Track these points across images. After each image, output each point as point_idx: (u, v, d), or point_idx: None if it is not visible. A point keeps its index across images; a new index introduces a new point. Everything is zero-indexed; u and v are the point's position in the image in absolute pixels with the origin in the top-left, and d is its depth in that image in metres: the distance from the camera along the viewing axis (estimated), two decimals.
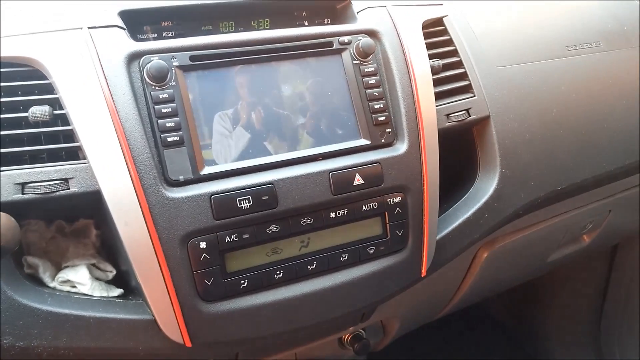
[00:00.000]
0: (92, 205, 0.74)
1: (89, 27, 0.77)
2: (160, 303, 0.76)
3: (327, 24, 0.98)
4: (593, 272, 1.94)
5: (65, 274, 0.79)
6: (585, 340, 2.01)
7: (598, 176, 1.18)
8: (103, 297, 0.80)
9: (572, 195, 1.17)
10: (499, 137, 1.02)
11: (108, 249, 0.87)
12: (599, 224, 1.46)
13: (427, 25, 0.99)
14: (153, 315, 0.77)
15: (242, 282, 0.80)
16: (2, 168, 0.71)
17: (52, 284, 0.79)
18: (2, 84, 0.74)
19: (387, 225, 0.88)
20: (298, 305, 0.84)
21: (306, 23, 0.97)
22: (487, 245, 1.20)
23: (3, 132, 0.72)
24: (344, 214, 0.85)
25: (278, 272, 0.82)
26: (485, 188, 1.03)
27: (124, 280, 0.85)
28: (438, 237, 0.95)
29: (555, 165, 1.10)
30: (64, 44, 0.75)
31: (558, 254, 1.45)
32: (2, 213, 0.65)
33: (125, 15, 0.81)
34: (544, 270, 1.63)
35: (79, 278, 0.78)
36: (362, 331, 1.19)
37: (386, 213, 0.88)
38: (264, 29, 0.94)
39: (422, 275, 0.94)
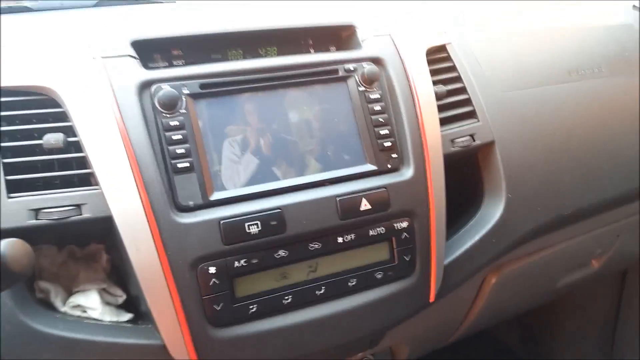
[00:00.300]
0: (103, 230, 0.75)
1: (103, 57, 0.78)
2: (170, 328, 0.76)
3: (333, 52, 1.00)
4: (603, 297, 1.91)
5: (76, 299, 0.79)
6: None
7: (603, 201, 1.17)
8: (113, 321, 0.80)
9: (578, 220, 1.17)
10: (504, 162, 1.02)
11: (118, 274, 0.87)
12: (607, 249, 1.45)
13: (430, 52, 1.00)
14: (162, 341, 0.77)
15: (251, 307, 0.80)
16: (17, 194, 0.72)
17: (63, 309, 0.79)
18: (18, 112, 0.76)
19: (395, 250, 0.88)
20: (307, 330, 0.84)
21: (312, 51, 0.99)
22: (495, 270, 1.19)
23: (19, 159, 0.74)
24: (351, 239, 0.85)
25: (287, 297, 0.82)
26: (491, 213, 1.03)
27: (134, 304, 0.85)
28: (446, 262, 0.95)
29: (560, 190, 1.10)
30: (77, 73, 0.77)
31: (567, 279, 1.43)
32: (17, 239, 0.66)
33: (137, 44, 0.83)
34: (553, 296, 1.61)
35: (90, 303, 0.79)
36: (371, 357, 1.18)
37: (393, 238, 0.88)
38: (272, 56, 0.96)
39: (431, 301, 0.93)
